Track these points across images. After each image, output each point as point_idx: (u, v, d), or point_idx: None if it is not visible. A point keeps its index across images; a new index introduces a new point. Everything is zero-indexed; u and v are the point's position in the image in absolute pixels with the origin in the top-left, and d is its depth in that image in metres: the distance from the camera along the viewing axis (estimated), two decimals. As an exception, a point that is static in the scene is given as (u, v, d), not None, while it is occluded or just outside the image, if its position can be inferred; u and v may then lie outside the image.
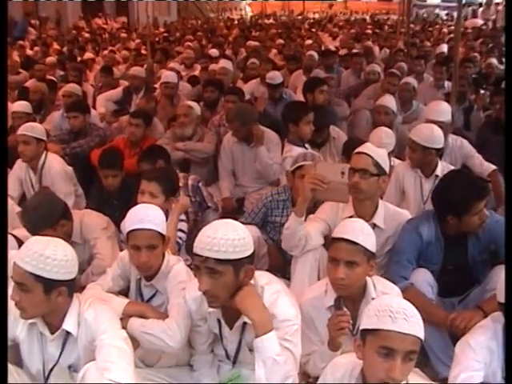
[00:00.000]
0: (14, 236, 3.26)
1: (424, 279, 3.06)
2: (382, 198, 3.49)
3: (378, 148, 3.34)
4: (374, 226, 3.21)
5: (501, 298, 2.25)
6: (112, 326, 2.35)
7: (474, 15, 22.46)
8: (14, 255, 2.39)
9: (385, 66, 8.44)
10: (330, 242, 2.80)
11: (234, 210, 4.84)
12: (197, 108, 5.35)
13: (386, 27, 18.88)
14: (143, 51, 10.92)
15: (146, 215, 2.71)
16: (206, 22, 23.42)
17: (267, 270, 3.04)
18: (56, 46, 12.79)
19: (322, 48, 11.52)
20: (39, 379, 2.46)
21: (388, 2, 33.77)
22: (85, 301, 2.41)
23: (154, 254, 2.73)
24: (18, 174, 4.61)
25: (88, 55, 10.74)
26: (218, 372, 2.67)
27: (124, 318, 2.64)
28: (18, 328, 2.44)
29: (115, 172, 4.13)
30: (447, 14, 24.96)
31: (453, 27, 15.58)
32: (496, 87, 6.51)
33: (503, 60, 8.64)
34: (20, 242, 3.12)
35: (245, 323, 2.41)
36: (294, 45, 12.35)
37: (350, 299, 2.68)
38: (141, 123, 5.12)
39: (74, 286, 2.38)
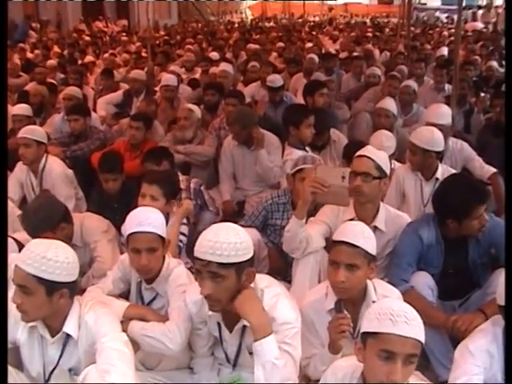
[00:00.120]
0: (14, 239, 3.26)
1: (424, 282, 3.06)
2: (382, 201, 3.50)
3: (379, 151, 3.35)
4: (375, 228, 3.21)
5: (501, 301, 2.24)
6: (112, 329, 2.35)
7: (474, 18, 22.47)
8: (14, 258, 2.39)
9: (385, 69, 8.45)
10: (330, 244, 2.80)
11: (234, 213, 4.84)
12: (197, 111, 5.36)
13: (387, 30, 18.88)
14: (144, 54, 10.94)
15: (146, 218, 2.71)
16: (206, 25, 23.41)
17: (267, 273, 3.05)
18: (56, 49, 12.80)
19: (323, 51, 11.53)
20: (40, 382, 2.46)
21: (388, 5, 33.87)
22: (85, 304, 2.41)
23: (154, 257, 2.73)
24: (19, 176, 4.61)
25: (88, 58, 10.76)
26: (218, 375, 2.66)
27: (124, 321, 2.64)
28: (18, 331, 2.44)
29: (115, 176, 4.13)
30: (447, 17, 24.95)
31: (453, 30, 15.54)
32: (496, 90, 6.52)
33: (503, 63, 8.63)
34: (20, 246, 3.12)
35: (245, 326, 2.41)
36: (294, 48, 12.36)
37: (351, 302, 2.68)
38: (141, 126, 5.12)
39: (75, 288, 2.38)
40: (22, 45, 12.92)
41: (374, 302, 2.55)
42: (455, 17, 8.97)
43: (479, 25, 19.33)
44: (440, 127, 4.16)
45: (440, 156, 4.05)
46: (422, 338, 1.88)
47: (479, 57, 10.09)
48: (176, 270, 2.83)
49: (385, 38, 14.71)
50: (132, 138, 5.13)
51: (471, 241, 3.14)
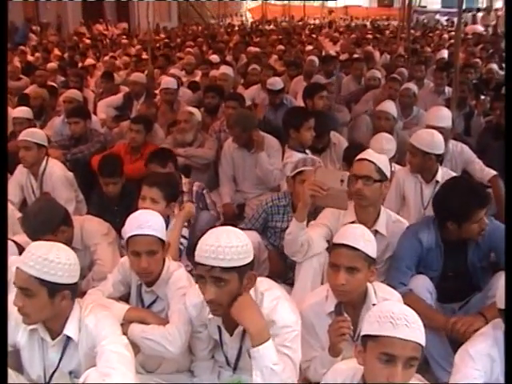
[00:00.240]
0: (14, 242, 3.26)
1: (423, 285, 3.05)
2: (382, 204, 3.49)
3: (379, 154, 3.35)
4: (376, 232, 3.21)
5: (501, 304, 2.24)
6: (113, 331, 2.35)
7: (474, 21, 22.50)
8: (14, 261, 2.39)
9: (385, 72, 8.45)
10: (331, 247, 2.80)
11: (234, 216, 4.85)
12: (197, 114, 5.36)
13: (387, 33, 18.88)
14: (144, 57, 10.92)
15: (146, 221, 2.71)
16: (206, 27, 23.42)
17: (268, 276, 3.05)
18: (57, 51, 12.80)
19: (323, 53, 11.53)
20: (40, 385, 2.46)
21: (388, 7, 33.95)
22: (86, 306, 2.41)
23: (153, 260, 2.73)
24: (19, 179, 4.61)
25: (89, 61, 10.76)
26: (218, 378, 2.66)
27: (125, 324, 2.64)
28: (18, 334, 2.44)
29: (115, 179, 4.12)
30: (447, 20, 24.95)
31: (453, 33, 15.57)
32: (496, 93, 6.52)
33: (503, 66, 8.63)
34: (20, 248, 3.12)
35: (245, 330, 2.41)
36: (294, 50, 12.35)
37: (351, 305, 2.67)
38: (141, 129, 5.13)
39: (76, 290, 2.39)
40: (22, 47, 12.92)
41: (374, 305, 2.54)
42: (455, 19, 8.98)
43: (479, 27, 19.31)
44: (440, 130, 4.16)
45: (440, 159, 4.05)
46: (423, 341, 1.87)
47: (479, 59, 10.09)
48: (176, 272, 2.83)
49: (385, 41, 14.70)
50: (132, 140, 5.14)
51: (471, 244, 3.14)
